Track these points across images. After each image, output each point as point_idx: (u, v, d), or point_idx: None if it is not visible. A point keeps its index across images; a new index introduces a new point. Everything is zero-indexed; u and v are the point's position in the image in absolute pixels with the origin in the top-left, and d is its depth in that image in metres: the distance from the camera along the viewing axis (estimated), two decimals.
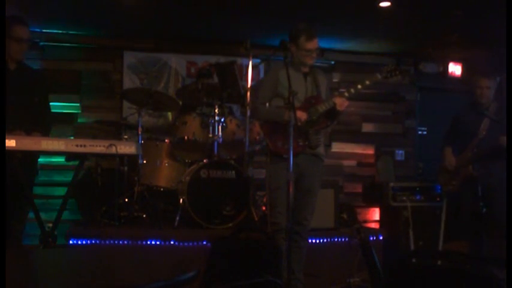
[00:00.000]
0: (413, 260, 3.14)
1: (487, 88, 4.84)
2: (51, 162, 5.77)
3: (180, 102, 5.52)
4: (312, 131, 3.95)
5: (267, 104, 4.07)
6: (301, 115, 3.87)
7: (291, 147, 3.56)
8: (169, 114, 6.25)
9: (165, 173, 5.18)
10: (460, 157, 4.94)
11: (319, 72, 4.20)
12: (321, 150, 4.08)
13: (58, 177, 5.88)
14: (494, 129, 4.69)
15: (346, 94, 3.98)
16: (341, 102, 3.94)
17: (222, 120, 5.01)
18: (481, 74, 4.91)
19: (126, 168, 5.00)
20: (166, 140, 5.23)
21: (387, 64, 4.16)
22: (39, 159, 4.43)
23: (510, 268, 2.90)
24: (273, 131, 3.94)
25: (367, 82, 4.00)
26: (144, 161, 5.08)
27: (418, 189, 5.88)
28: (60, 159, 5.27)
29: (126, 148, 3.91)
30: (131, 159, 4.97)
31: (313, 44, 3.96)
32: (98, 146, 3.78)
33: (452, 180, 5.01)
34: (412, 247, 5.46)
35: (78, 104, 6.17)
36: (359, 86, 3.97)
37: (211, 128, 4.95)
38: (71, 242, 4.35)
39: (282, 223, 3.85)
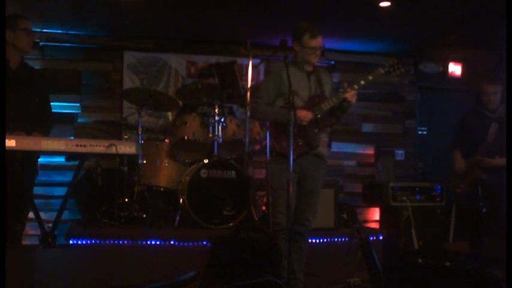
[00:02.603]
0: (414, 260, 3.14)
1: (494, 94, 4.82)
2: (51, 162, 5.77)
3: (180, 102, 5.52)
4: (312, 130, 3.94)
5: (269, 105, 4.07)
6: (306, 115, 3.87)
7: (291, 147, 3.56)
8: (169, 114, 6.25)
9: (165, 173, 5.18)
10: (469, 161, 4.92)
11: (323, 71, 4.19)
12: (323, 150, 4.07)
13: (58, 177, 5.88)
14: (503, 132, 4.66)
15: (356, 86, 3.96)
16: (352, 95, 3.93)
17: (222, 120, 5.01)
18: (487, 80, 4.90)
19: (126, 168, 5.01)
20: (166, 140, 5.23)
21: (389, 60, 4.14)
22: (39, 159, 4.43)
23: (510, 268, 2.90)
24: (278, 131, 3.93)
25: (370, 77, 3.98)
26: (144, 161, 5.08)
27: (418, 189, 5.88)
28: (60, 159, 5.27)
29: (126, 148, 3.90)
30: (131, 159, 4.97)
31: (318, 41, 3.96)
32: (98, 146, 3.77)
33: (461, 183, 4.98)
34: (416, 246, 5.45)
35: (78, 104, 6.17)
36: (362, 82, 3.95)
37: (211, 128, 4.95)
38: (71, 242, 4.35)
39: (283, 223, 3.85)
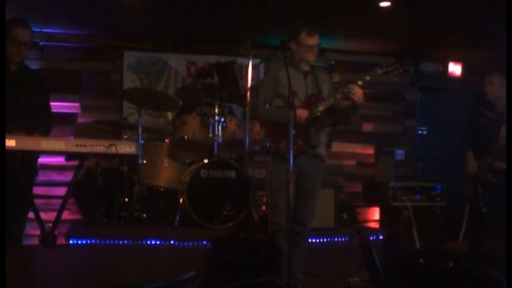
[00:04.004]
0: (414, 260, 3.14)
1: (490, 84, 4.77)
2: (51, 162, 5.77)
3: (180, 102, 5.52)
4: (310, 131, 3.94)
5: (267, 105, 4.06)
6: (302, 113, 3.86)
7: (291, 147, 3.56)
8: (169, 114, 6.25)
9: (165, 173, 5.18)
10: (481, 163, 4.83)
11: (321, 71, 4.19)
12: (321, 150, 4.07)
13: (58, 177, 5.88)
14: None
15: (360, 82, 3.94)
16: (357, 93, 3.89)
17: (222, 120, 5.01)
18: (488, 70, 4.86)
19: (126, 168, 5.01)
20: (166, 140, 5.23)
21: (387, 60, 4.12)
22: (39, 159, 4.43)
23: (510, 268, 2.90)
24: (275, 131, 3.94)
25: (368, 78, 3.97)
26: (144, 161, 5.08)
27: (418, 189, 5.88)
28: (60, 159, 5.27)
29: (126, 148, 3.91)
30: (131, 159, 4.97)
31: (314, 39, 3.96)
32: (98, 146, 3.78)
33: (472, 186, 4.93)
34: (418, 246, 5.43)
35: (78, 104, 6.17)
36: (360, 82, 3.94)
37: (211, 127, 4.95)
38: (71, 242, 4.35)
39: (282, 223, 3.85)
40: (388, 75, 4.11)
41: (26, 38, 4.05)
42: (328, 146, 5.15)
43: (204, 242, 4.49)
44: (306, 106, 3.95)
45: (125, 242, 4.41)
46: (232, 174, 4.86)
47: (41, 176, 4.70)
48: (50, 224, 3.94)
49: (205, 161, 4.87)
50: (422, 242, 5.61)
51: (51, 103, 4.38)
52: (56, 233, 3.95)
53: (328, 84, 4.17)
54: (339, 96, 3.96)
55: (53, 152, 3.85)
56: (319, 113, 3.94)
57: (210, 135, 4.95)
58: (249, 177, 5.04)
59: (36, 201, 4.13)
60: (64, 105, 6.04)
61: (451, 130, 6.81)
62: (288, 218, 3.64)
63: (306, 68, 4.07)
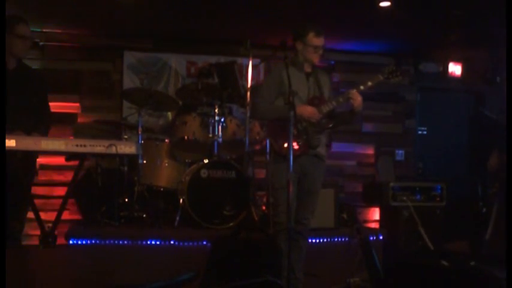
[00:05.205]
0: (415, 260, 3.14)
1: None
2: (51, 162, 5.77)
3: (180, 102, 5.52)
4: (312, 131, 3.95)
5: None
6: (313, 112, 3.87)
7: (291, 146, 3.56)
8: (169, 114, 6.25)
9: (165, 173, 5.19)
10: (493, 160, 4.92)
11: (322, 73, 4.18)
12: (321, 150, 4.07)
13: (58, 177, 5.88)
14: None
15: (362, 87, 3.96)
16: (356, 100, 3.90)
17: (222, 120, 5.01)
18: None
19: (126, 168, 5.01)
20: (166, 140, 5.23)
21: (388, 64, 4.13)
22: (38, 159, 4.42)
23: (510, 268, 2.90)
24: (277, 131, 3.93)
25: (370, 83, 3.98)
26: (144, 161, 5.08)
27: (418, 189, 5.88)
28: (60, 159, 5.27)
29: (126, 148, 3.90)
30: (131, 159, 4.97)
31: (321, 40, 3.96)
32: (98, 146, 3.77)
33: (495, 183, 4.98)
34: (430, 245, 5.39)
35: (78, 104, 6.17)
36: (361, 87, 3.95)
37: (211, 128, 4.95)
38: (71, 242, 4.35)
39: (284, 222, 3.84)
40: (387, 81, 4.11)
41: (29, 33, 4.07)
42: (328, 146, 5.15)
43: (204, 242, 4.49)
44: None
45: (125, 242, 4.41)
46: (233, 174, 4.86)
47: (41, 176, 4.69)
48: (50, 224, 3.93)
49: (206, 161, 4.87)
50: (422, 243, 5.61)
51: (51, 103, 4.37)
52: (56, 233, 3.94)
53: (329, 86, 4.17)
54: (341, 100, 3.96)
55: (53, 152, 3.84)
56: (321, 116, 3.94)
57: (210, 135, 4.95)
58: (249, 177, 5.04)
59: (36, 201, 4.12)
60: (64, 105, 6.04)
61: (451, 130, 6.84)
62: (288, 217, 3.64)
63: (309, 69, 4.06)
